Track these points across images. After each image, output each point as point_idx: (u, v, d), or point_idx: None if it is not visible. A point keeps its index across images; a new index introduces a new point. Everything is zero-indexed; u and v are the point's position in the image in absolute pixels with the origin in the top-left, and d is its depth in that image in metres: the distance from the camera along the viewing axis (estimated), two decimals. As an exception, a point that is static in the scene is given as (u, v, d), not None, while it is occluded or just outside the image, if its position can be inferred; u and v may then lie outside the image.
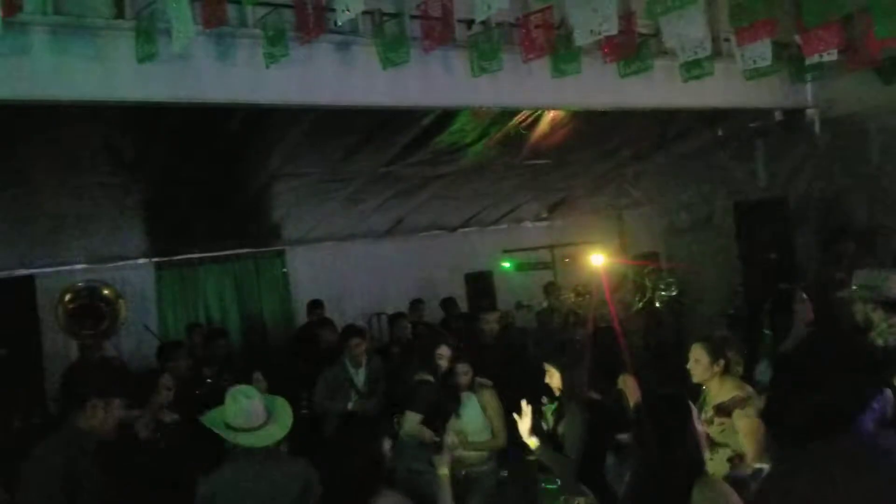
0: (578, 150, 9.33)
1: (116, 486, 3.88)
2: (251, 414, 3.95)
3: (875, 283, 4.73)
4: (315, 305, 9.80)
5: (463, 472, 5.29)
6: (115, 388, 4.01)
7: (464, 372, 5.56)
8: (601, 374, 5.25)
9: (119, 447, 4.13)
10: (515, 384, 5.70)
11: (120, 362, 8.30)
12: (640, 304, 9.94)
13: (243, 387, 4.13)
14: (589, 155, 9.76)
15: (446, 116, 7.33)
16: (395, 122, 7.19)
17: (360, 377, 6.87)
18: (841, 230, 8.29)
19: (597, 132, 8.77)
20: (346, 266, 10.91)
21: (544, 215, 12.66)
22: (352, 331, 7.14)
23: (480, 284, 11.73)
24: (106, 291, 9.17)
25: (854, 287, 5.55)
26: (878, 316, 4.44)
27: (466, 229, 12.05)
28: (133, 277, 9.84)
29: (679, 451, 2.98)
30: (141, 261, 10.00)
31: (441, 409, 5.41)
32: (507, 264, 11.66)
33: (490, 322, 7.70)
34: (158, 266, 10.10)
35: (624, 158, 10.27)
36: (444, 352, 5.62)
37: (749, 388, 4.52)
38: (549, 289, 10.24)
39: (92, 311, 9.02)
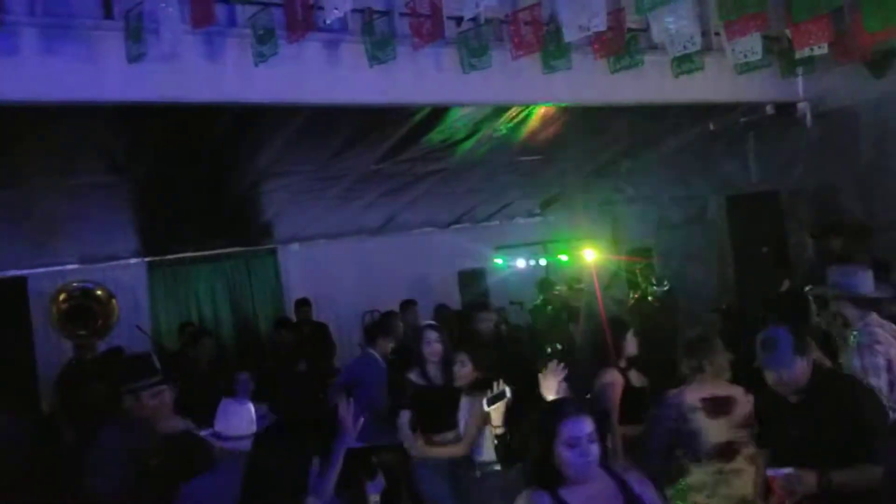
0: (570, 146, 9.33)
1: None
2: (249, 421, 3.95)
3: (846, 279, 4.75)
4: (301, 304, 9.77)
5: (478, 474, 5.25)
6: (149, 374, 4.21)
7: (460, 361, 5.28)
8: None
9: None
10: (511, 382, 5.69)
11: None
12: (633, 300, 9.96)
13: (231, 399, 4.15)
14: (580, 151, 9.77)
15: (437, 113, 7.32)
16: (385, 119, 7.19)
17: None
18: (830, 226, 8.31)
19: (588, 128, 8.78)
20: (339, 264, 10.88)
21: (537, 211, 12.66)
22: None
23: (474, 281, 11.72)
24: (99, 292, 9.16)
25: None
26: (850, 313, 4.45)
27: (459, 226, 12.05)
28: (125, 277, 9.80)
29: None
30: (133, 260, 9.97)
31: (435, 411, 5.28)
32: (500, 261, 11.65)
33: (485, 321, 7.54)
34: (150, 265, 10.06)
35: (616, 154, 10.28)
36: (431, 336, 5.44)
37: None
38: (543, 284, 10.23)
39: (85, 312, 9.00)
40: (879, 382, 4.03)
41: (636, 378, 5.39)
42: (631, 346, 5.45)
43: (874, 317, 4.35)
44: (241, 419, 3.94)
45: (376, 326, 7.48)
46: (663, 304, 9.26)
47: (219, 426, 3.93)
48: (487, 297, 10.98)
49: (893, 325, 4.44)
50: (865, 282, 4.49)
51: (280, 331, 9.10)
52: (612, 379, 5.28)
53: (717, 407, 4.44)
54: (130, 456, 3.96)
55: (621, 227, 11.07)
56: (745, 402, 4.39)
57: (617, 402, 5.27)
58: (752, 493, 4.18)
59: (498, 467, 5.05)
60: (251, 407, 4.04)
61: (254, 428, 3.95)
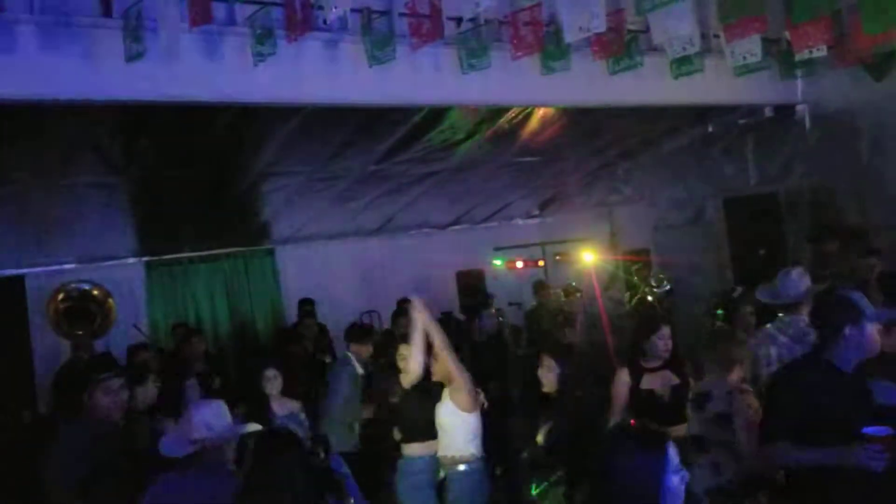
0: (568, 147, 9.33)
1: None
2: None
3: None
4: (305, 303, 9.76)
5: (442, 474, 5.24)
6: (106, 371, 4.24)
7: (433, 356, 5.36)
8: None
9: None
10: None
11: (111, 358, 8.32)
12: (632, 301, 9.96)
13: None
14: (579, 152, 9.77)
15: (436, 114, 7.32)
16: (384, 119, 7.17)
17: None
18: (825, 228, 8.32)
19: (587, 129, 8.78)
20: (337, 264, 10.88)
21: (535, 212, 12.66)
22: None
23: (472, 282, 11.71)
24: (95, 292, 9.13)
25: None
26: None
27: (457, 227, 12.04)
28: (122, 277, 9.78)
29: None
30: (130, 260, 9.95)
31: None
32: (498, 262, 11.65)
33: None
34: (148, 265, 10.04)
35: (614, 155, 10.28)
36: None
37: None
38: (538, 287, 10.18)
39: (83, 312, 8.99)
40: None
41: (654, 380, 5.28)
42: (659, 344, 5.30)
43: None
44: (214, 420, 3.81)
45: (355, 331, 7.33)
46: (663, 305, 9.26)
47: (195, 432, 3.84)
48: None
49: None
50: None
51: (304, 321, 9.08)
52: (617, 378, 5.33)
53: (697, 401, 4.58)
54: (88, 455, 3.96)
55: (619, 229, 11.08)
56: (721, 399, 4.42)
57: (618, 399, 5.30)
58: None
59: (462, 467, 5.05)
60: (218, 404, 3.91)
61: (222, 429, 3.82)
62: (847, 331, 3.57)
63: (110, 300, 9.17)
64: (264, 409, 5.53)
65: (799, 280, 4.97)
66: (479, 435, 5.13)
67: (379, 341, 7.21)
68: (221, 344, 10.23)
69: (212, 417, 3.77)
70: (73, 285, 9.09)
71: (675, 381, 5.14)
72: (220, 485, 3.59)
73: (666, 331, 5.33)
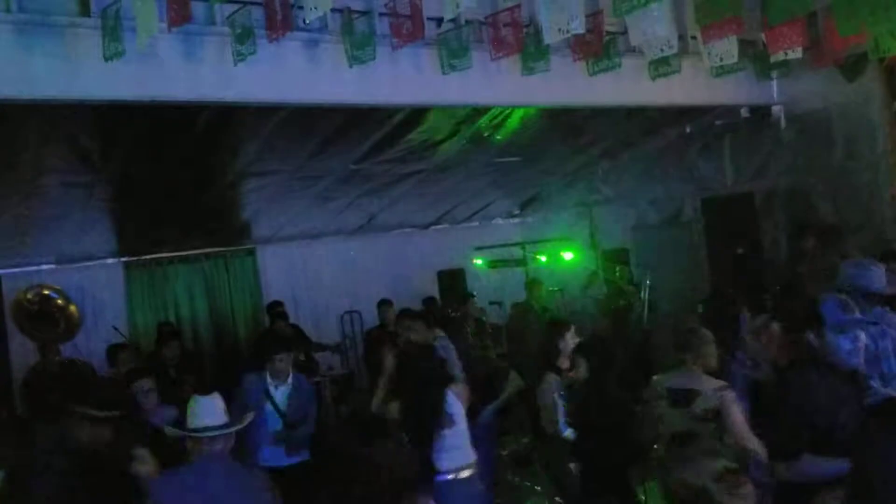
0: (548, 147, 9.38)
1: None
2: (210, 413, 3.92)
3: None
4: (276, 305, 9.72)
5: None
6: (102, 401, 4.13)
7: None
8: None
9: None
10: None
11: (85, 365, 8.30)
12: (610, 299, 10.03)
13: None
14: (559, 152, 9.82)
15: (416, 114, 7.33)
16: (364, 119, 7.18)
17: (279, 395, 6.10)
18: (802, 226, 8.42)
19: (566, 130, 8.83)
20: (318, 264, 10.87)
21: (516, 212, 12.72)
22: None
23: (453, 281, 11.74)
24: (47, 292, 9.05)
25: None
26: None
27: (438, 227, 12.07)
28: (102, 277, 9.74)
29: None
30: (110, 260, 9.91)
31: None
32: (479, 261, 11.68)
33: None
34: (127, 266, 10.00)
35: (593, 155, 10.34)
36: None
37: None
38: (532, 285, 10.24)
39: (46, 316, 8.93)
40: None
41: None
42: (571, 343, 5.58)
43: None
44: (210, 412, 3.91)
45: None
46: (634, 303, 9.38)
47: (191, 423, 3.90)
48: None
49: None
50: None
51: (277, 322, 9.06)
52: (545, 382, 5.50)
53: (679, 397, 4.64)
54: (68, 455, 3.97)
55: (599, 228, 11.14)
56: (711, 397, 4.51)
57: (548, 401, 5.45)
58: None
59: (465, 474, 5.07)
60: (219, 400, 3.99)
61: (224, 419, 3.92)
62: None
63: (72, 307, 9.10)
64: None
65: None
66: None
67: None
68: (201, 344, 10.20)
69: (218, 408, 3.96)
70: (34, 292, 9.01)
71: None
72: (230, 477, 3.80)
73: (573, 329, 5.71)
